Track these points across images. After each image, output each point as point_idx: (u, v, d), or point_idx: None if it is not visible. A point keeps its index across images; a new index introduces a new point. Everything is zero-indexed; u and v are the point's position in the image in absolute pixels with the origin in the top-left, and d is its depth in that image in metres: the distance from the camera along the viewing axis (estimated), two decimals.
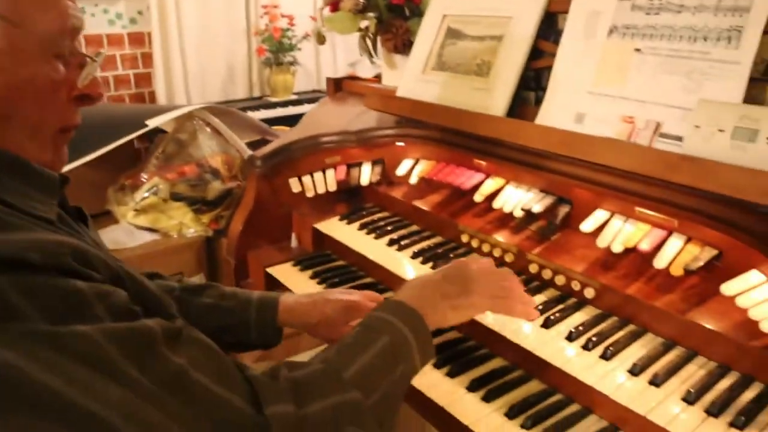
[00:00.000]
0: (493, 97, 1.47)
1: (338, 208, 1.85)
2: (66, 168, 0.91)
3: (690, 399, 1.02)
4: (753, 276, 1.08)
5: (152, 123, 2.18)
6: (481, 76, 1.51)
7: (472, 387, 1.20)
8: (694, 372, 1.09)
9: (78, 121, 0.88)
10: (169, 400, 0.70)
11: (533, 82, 1.50)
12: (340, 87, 2.13)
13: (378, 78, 2.09)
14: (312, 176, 1.82)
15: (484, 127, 1.44)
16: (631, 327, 1.21)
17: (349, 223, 1.76)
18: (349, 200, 1.88)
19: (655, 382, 1.06)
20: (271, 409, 0.79)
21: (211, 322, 1.15)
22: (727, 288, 1.08)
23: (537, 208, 1.41)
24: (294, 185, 1.80)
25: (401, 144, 1.78)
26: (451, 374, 1.24)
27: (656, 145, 1.21)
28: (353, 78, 2.12)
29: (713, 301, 1.15)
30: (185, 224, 2.09)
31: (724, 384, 1.05)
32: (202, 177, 2.17)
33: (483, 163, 1.58)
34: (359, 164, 1.84)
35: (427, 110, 1.59)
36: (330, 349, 0.96)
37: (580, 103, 1.33)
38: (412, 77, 1.70)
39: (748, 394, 1.02)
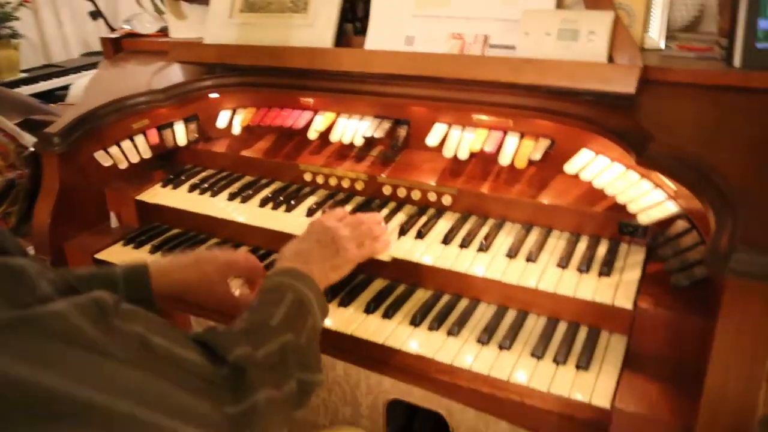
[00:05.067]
0: (318, 31, 1.46)
1: (156, 175, 1.73)
2: None
3: (563, 264, 1.19)
4: (585, 153, 1.27)
5: None
6: (299, 12, 1.50)
7: (369, 309, 1.25)
8: (556, 243, 1.26)
9: None
10: (142, 363, 0.65)
11: (349, 13, 1.52)
12: (119, 47, 1.94)
13: (163, 32, 1.94)
14: (119, 146, 1.66)
15: (320, 62, 1.43)
16: (491, 221, 1.35)
17: (174, 187, 1.65)
18: (166, 165, 1.77)
19: (531, 258, 1.21)
20: (234, 354, 0.78)
21: None
22: (569, 167, 1.26)
23: (378, 134, 1.47)
24: (102, 159, 1.63)
25: (215, 95, 1.70)
26: (344, 303, 1.27)
27: (489, 55, 1.33)
28: (133, 35, 1.93)
29: (554, 183, 1.33)
30: None
31: (581, 247, 1.24)
32: None
33: (310, 100, 1.59)
34: (170, 124, 1.72)
35: (252, 53, 1.53)
36: (239, 317, 0.92)
37: (407, 27, 1.40)
38: (218, 23, 1.62)
39: (601, 250, 1.22)
